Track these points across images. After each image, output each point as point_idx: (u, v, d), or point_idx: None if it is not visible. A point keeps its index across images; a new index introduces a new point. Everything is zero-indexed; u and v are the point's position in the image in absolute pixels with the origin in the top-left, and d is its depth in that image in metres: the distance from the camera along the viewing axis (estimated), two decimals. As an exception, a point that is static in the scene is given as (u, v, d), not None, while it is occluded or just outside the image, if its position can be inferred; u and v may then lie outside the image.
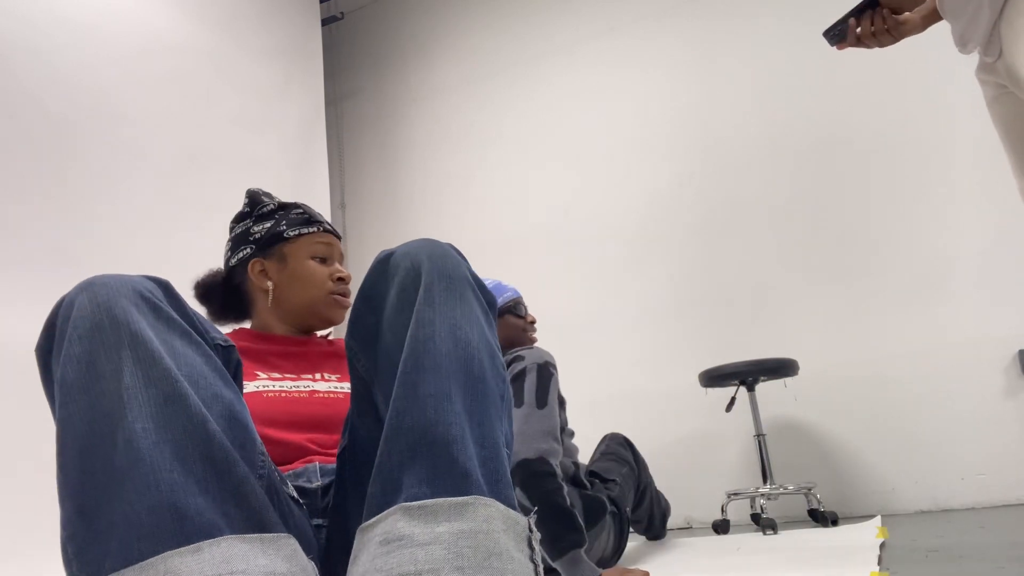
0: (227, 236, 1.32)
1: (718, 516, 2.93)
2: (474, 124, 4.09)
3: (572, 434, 1.99)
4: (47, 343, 0.64)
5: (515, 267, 3.74)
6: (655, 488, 2.44)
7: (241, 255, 1.26)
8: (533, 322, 2.10)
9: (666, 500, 2.56)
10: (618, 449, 2.33)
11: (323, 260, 1.26)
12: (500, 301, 2.08)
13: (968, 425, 2.73)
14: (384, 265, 0.74)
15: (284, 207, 1.29)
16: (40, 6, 2.59)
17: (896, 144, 3.06)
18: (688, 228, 3.41)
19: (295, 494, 0.84)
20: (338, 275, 1.26)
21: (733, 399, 2.78)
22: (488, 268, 3.84)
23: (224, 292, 1.29)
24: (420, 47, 4.36)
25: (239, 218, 1.31)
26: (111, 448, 0.56)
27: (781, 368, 2.68)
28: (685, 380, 3.21)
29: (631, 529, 2.36)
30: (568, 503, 1.50)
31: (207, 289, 1.31)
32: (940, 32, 3.05)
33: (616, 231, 3.56)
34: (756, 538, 2.33)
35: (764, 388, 3.03)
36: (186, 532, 0.53)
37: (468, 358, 0.66)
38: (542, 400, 1.65)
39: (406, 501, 0.58)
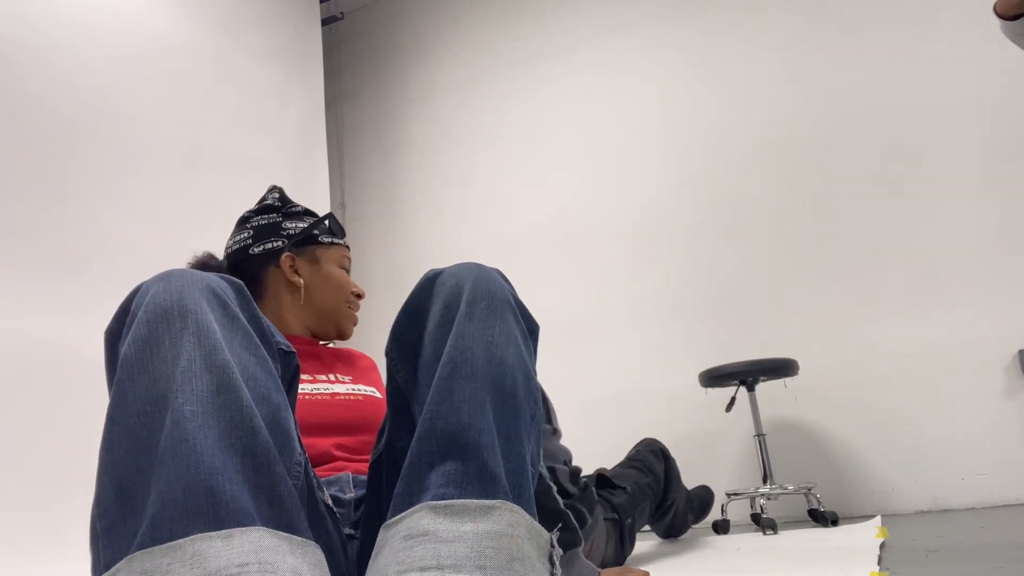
0: (239, 226, 1.31)
1: (718, 516, 2.93)
2: (474, 124, 4.09)
3: (560, 435, 1.94)
4: (117, 326, 0.66)
5: (515, 267, 3.74)
6: (683, 502, 2.37)
7: (269, 246, 1.26)
8: None
9: (701, 503, 2.47)
10: (648, 457, 2.27)
11: (346, 272, 1.31)
12: None
13: (968, 425, 2.73)
14: (431, 283, 0.77)
15: (311, 213, 1.33)
16: (40, 6, 2.59)
17: (896, 144, 3.06)
18: (688, 228, 3.41)
19: (330, 502, 0.84)
20: (356, 290, 1.30)
21: (733, 399, 2.78)
22: (488, 268, 3.84)
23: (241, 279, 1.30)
24: (420, 47, 4.36)
25: (264, 210, 1.31)
26: (158, 428, 0.56)
27: (781, 368, 2.68)
28: (685, 380, 3.21)
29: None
30: (560, 504, 1.49)
31: (211, 272, 1.30)
32: (940, 32, 3.07)
33: (616, 231, 3.56)
34: (756, 538, 2.33)
35: (764, 388, 3.03)
36: (219, 516, 0.53)
37: (502, 374, 0.68)
38: None
39: (433, 500, 0.59)
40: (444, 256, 3.97)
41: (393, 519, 0.61)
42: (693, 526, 2.51)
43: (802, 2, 3.34)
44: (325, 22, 4.47)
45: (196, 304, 0.63)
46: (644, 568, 1.82)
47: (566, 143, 3.79)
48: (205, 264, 1.29)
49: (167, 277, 0.65)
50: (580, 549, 1.47)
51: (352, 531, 0.89)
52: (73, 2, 2.72)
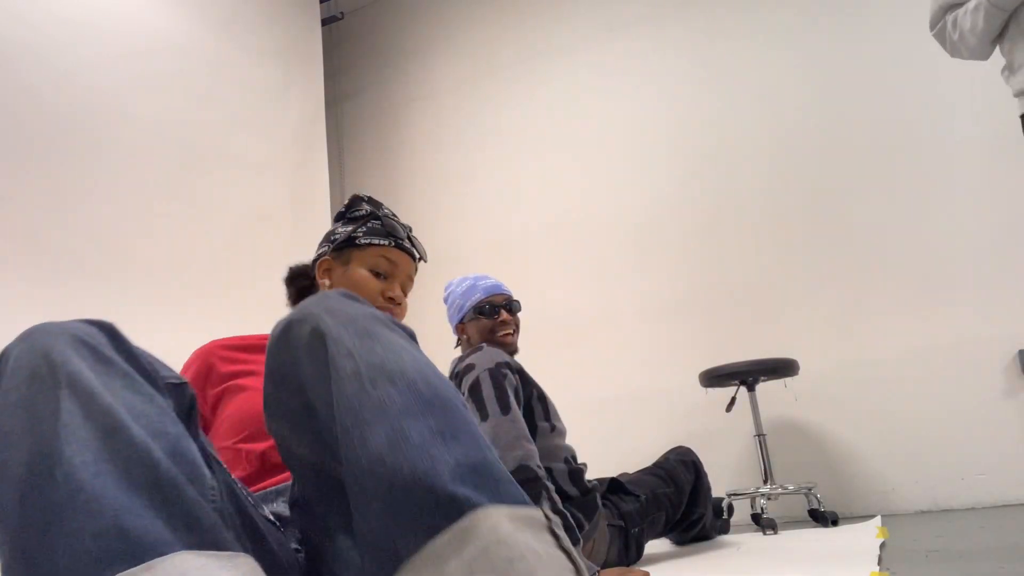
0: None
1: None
2: (474, 124, 4.09)
3: (563, 433, 1.90)
4: None
5: (515, 267, 3.74)
6: (711, 517, 2.31)
7: (320, 252, 1.30)
8: (506, 322, 1.98)
9: (720, 525, 2.44)
10: (675, 468, 2.18)
11: (383, 276, 1.26)
12: (468, 304, 2.03)
13: (968, 425, 2.73)
14: (285, 338, 0.69)
15: (375, 215, 1.30)
16: (40, 6, 2.59)
17: (896, 144, 3.06)
18: (688, 228, 3.41)
19: (271, 516, 0.83)
20: (389, 293, 1.25)
21: (733, 399, 2.78)
22: (488, 268, 3.84)
23: (305, 284, 1.34)
24: (420, 47, 4.36)
25: (335, 218, 1.35)
26: (50, 486, 0.54)
27: (781, 368, 2.68)
28: (685, 380, 3.21)
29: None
30: (558, 504, 1.48)
31: (293, 275, 1.35)
32: (940, 32, 3.05)
33: (616, 231, 3.56)
34: (756, 538, 2.33)
35: (764, 388, 3.03)
36: (136, 552, 0.51)
37: (411, 384, 0.62)
38: (504, 406, 1.59)
39: (406, 559, 0.53)
40: (444, 256, 3.97)
41: None
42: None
43: (803, 3, 3.34)
44: (325, 22, 4.47)
45: (62, 356, 0.61)
46: (645, 568, 1.82)
47: (566, 143, 3.79)
48: (293, 269, 1.36)
49: (28, 336, 0.63)
50: (578, 548, 1.46)
51: (298, 547, 0.88)
52: (73, 2, 2.72)
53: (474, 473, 0.56)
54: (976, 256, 2.85)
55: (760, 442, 2.73)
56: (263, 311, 1.34)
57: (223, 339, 1.21)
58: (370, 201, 1.32)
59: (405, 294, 1.30)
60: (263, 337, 1.22)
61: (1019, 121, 1.60)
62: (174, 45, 3.12)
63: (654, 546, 2.38)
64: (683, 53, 3.58)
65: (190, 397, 0.71)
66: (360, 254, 1.26)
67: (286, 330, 0.69)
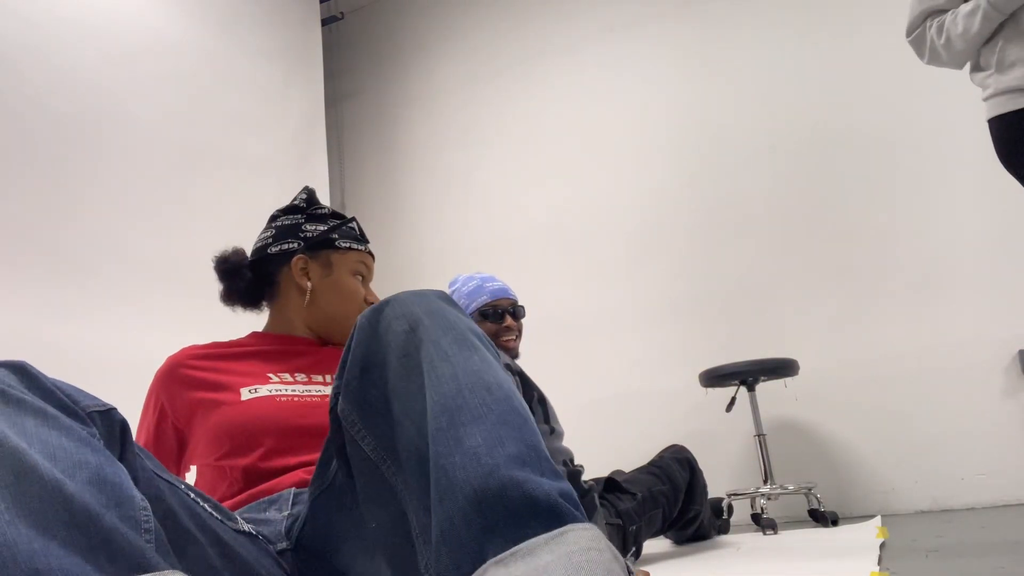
0: (267, 223, 1.31)
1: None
2: (474, 124, 4.09)
3: (561, 435, 1.92)
4: None
5: (515, 267, 3.74)
6: (709, 515, 2.32)
7: (285, 247, 1.25)
8: (510, 328, 1.99)
9: (714, 522, 2.43)
10: (671, 466, 2.21)
11: (362, 280, 1.27)
12: (473, 306, 2.04)
13: (968, 425, 2.73)
14: (374, 329, 0.70)
15: (337, 216, 1.29)
16: (40, 6, 2.59)
17: (896, 144, 3.06)
18: (688, 228, 3.41)
19: (246, 528, 0.84)
20: (371, 299, 1.26)
21: (733, 399, 2.78)
22: (488, 268, 3.84)
23: (252, 276, 1.27)
24: (420, 47, 4.36)
25: (290, 210, 1.30)
26: None
27: (781, 368, 2.68)
28: (685, 380, 3.21)
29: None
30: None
31: (232, 267, 1.28)
32: (940, 32, 3.05)
33: (616, 231, 3.56)
34: (756, 538, 2.33)
35: (764, 388, 3.03)
36: None
37: (507, 398, 0.63)
38: None
39: (491, 556, 0.52)
40: (444, 256, 3.97)
41: None
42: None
43: (803, 3, 3.34)
44: (325, 22, 4.47)
45: None
46: (645, 568, 1.82)
47: (566, 143, 3.79)
48: (227, 259, 1.28)
49: None
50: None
51: (286, 544, 0.88)
52: (73, 2, 2.72)
53: (563, 496, 0.56)
54: (976, 256, 2.85)
55: (760, 442, 2.73)
56: (263, 311, 1.32)
57: (194, 347, 1.17)
58: (313, 195, 1.31)
59: None
60: (235, 344, 1.20)
61: (987, 125, 1.61)
62: (174, 45, 3.12)
63: (654, 546, 2.38)
64: (684, 53, 3.58)
65: (119, 422, 0.70)
66: (341, 258, 1.25)
67: (379, 321, 0.70)
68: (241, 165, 3.29)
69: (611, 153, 3.66)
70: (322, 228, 1.25)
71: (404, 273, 4.07)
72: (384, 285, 4.60)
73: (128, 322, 2.59)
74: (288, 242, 1.25)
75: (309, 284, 1.23)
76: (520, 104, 3.96)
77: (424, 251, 4.07)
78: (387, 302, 0.72)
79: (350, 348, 0.72)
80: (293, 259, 1.24)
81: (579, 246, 3.64)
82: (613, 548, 0.55)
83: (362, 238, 1.28)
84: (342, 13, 4.60)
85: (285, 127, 3.64)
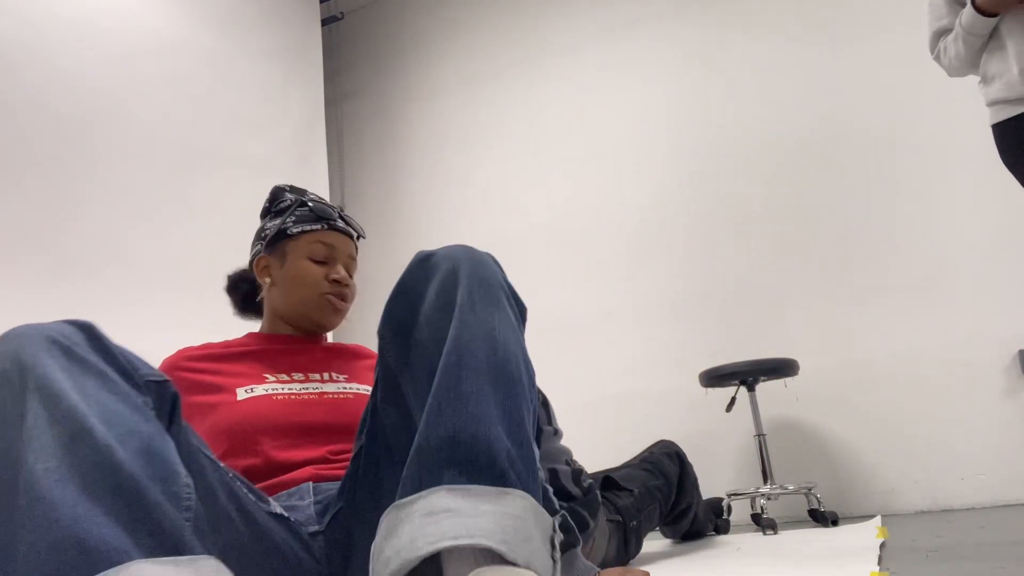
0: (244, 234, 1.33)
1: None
2: (474, 124, 4.09)
3: (562, 435, 1.91)
4: None
5: (515, 267, 3.72)
6: (702, 508, 2.34)
7: (253, 251, 1.27)
8: None
9: (712, 520, 2.45)
10: (661, 460, 2.22)
11: (323, 261, 1.22)
12: None
13: (968, 425, 2.73)
14: (424, 264, 0.79)
15: (301, 203, 1.25)
16: (40, 6, 2.59)
17: (896, 144, 3.06)
18: (688, 228, 3.41)
19: (278, 510, 0.84)
20: (333, 276, 1.21)
21: (733, 399, 2.78)
22: (488, 268, 3.84)
23: (248, 288, 1.30)
24: (420, 47, 4.36)
25: (261, 214, 1.31)
26: (13, 493, 0.55)
27: (781, 368, 2.68)
28: (685, 380, 3.20)
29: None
30: (556, 505, 1.48)
31: (234, 283, 1.32)
32: (940, 32, 3.05)
33: (616, 231, 3.56)
34: (756, 538, 2.33)
35: (764, 388, 3.03)
36: (90, 563, 0.51)
37: (505, 360, 0.71)
38: None
39: (448, 484, 0.61)
40: (444, 256, 3.97)
41: (406, 499, 0.62)
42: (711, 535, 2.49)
43: (803, 2, 3.34)
44: (325, 22, 4.47)
45: (33, 358, 0.61)
46: (645, 568, 1.81)
47: (566, 143, 3.79)
48: (230, 276, 1.34)
49: (3, 339, 0.64)
50: (579, 549, 1.46)
51: (317, 527, 0.90)
52: (73, 2, 2.72)
53: (523, 461, 0.66)
54: (976, 256, 2.85)
55: (760, 442, 2.73)
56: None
57: (188, 349, 1.17)
58: (293, 190, 1.28)
59: (351, 275, 1.26)
60: (230, 344, 1.20)
61: (991, 131, 1.70)
62: (174, 45, 3.12)
63: (653, 546, 2.38)
64: (684, 53, 3.58)
65: (172, 395, 0.71)
66: (295, 244, 1.22)
67: (429, 258, 0.79)
68: (241, 165, 3.29)
69: (611, 153, 3.66)
70: (277, 222, 1.24)
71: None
72: (384, 284, 4.60)
73: (128, 322, 2.59)
74: (255, 246, 1.27)
75: (268, 281, 1.23)
76: (520, 104, 3.96)
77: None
78: (441, 249, 0.80)
79: (400, 277, 0.81)
80: (255, 261, 1.25)
81: (579, 246, 3.64)
82: (541, 512, 0.65)
83: (320, 217, 1.23)
84: (342, 13, 4.60)
85: (285, 127, 3.64)
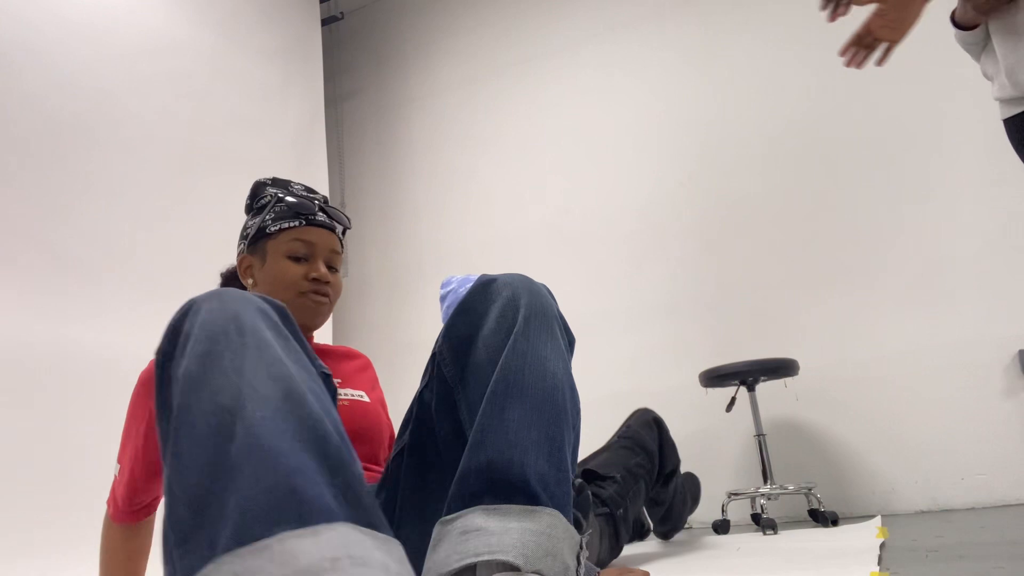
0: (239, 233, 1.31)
1: (718, 516, 2.93)
2: (474, 124, 4.09)
3: None
4: (169, 346, 0.67)
5: (515, 267, 3.74)
6: (681, 479, 2.32)
7: (238, 250, 1.25)
8: None
9: (693, 495, 2.42)
10: (639, 433, 2.19)
11: (302, 258, 1.18)
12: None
13: (968, 425, 2.73)
14: (487, 288, 0.85)
15: (279, 198, 1.21)
16: (40, 6, 2.59)
17: (896, 144, 3.06)
18: (688, 228, 3.41)
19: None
20: (312, 274, 1.17)
21: (733, 399, 2.78)
22: (487, 268, 3.84)
23: (240, 286, 1.27)
24: (420, 47, 4.36)
25: (245, 210, 1.28)
26: (228, 439, 0.56)
27: (781, 368, 2.68)
28: (685, 380, 3.21)
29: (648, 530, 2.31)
30: (584, 524, 1.48)
31: (227, 281, 1.30)
32: (940, 31, 3.06)
33: (616, 231, 3.56)
34: (756, 538, 2.33)
35: (764, 388, 3.03)
36: (304, 514, 0.52)
37: (553, 389, 0.76)
38: None
39: (485, 505, 0.67)
40: (444, 256, 3.97)
41: (449, 517, 0.69)
42: (689, 516, 2.47)
43: (803, 2, 3.34)
44: (325, 22, 4.47)
45: (252, 321, 0.65)
46: (644, 568, 1.82)
47: (566, 143, 3.79)
48: (222, 274, 1.33)
49: (219, 296, 0.67)
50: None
51: None
52: (73, 2, 2.72)
53: (559, 484, 0.71)
54: (976, 256, 2.85)
55: (760, 442, 2.73)
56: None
57: None
58: (275, 183, 1.25)
59: (336, 270, 1.23)
60: None
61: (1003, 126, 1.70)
62: (174, 45, 3.12)
63: (653, 546, 2.38)
64: (683, 53, 3.58)
65: (333, 390, 0.76)
66: (274, 243, 1.18)
67: (491, 283, 0.85)
68: (241, 165, 3.29)
69: (611, 152, 3.66)
70: (257, 220, 1.21)
71: (404, 273, 4.07)
72: (383, 284, 4.63)
73: (128, 322, 2.59)
74: (239, 245, 1.25)
75: (251, 282, 1.21)
76: (520, 104, 3.96)
77: (424, 251, 4.07)
78: (502, 275, 0.86)
79: (463, 298, 0.87)
80: (239, 261, 1.24)
81: (579, 246, 3.64)
82: (571, 531, 0.69)
83: (298, 213, 1.19)
84: (342, 13, 4.60)
85: (285, 127, 3.64)
